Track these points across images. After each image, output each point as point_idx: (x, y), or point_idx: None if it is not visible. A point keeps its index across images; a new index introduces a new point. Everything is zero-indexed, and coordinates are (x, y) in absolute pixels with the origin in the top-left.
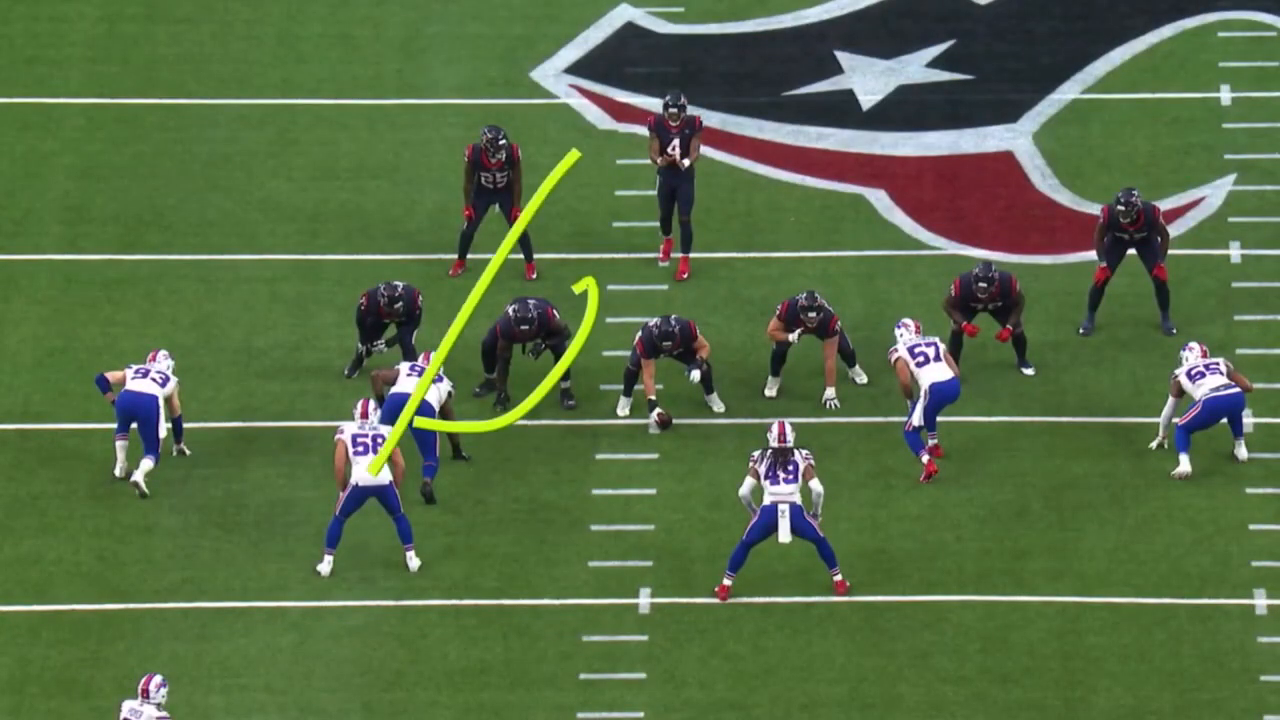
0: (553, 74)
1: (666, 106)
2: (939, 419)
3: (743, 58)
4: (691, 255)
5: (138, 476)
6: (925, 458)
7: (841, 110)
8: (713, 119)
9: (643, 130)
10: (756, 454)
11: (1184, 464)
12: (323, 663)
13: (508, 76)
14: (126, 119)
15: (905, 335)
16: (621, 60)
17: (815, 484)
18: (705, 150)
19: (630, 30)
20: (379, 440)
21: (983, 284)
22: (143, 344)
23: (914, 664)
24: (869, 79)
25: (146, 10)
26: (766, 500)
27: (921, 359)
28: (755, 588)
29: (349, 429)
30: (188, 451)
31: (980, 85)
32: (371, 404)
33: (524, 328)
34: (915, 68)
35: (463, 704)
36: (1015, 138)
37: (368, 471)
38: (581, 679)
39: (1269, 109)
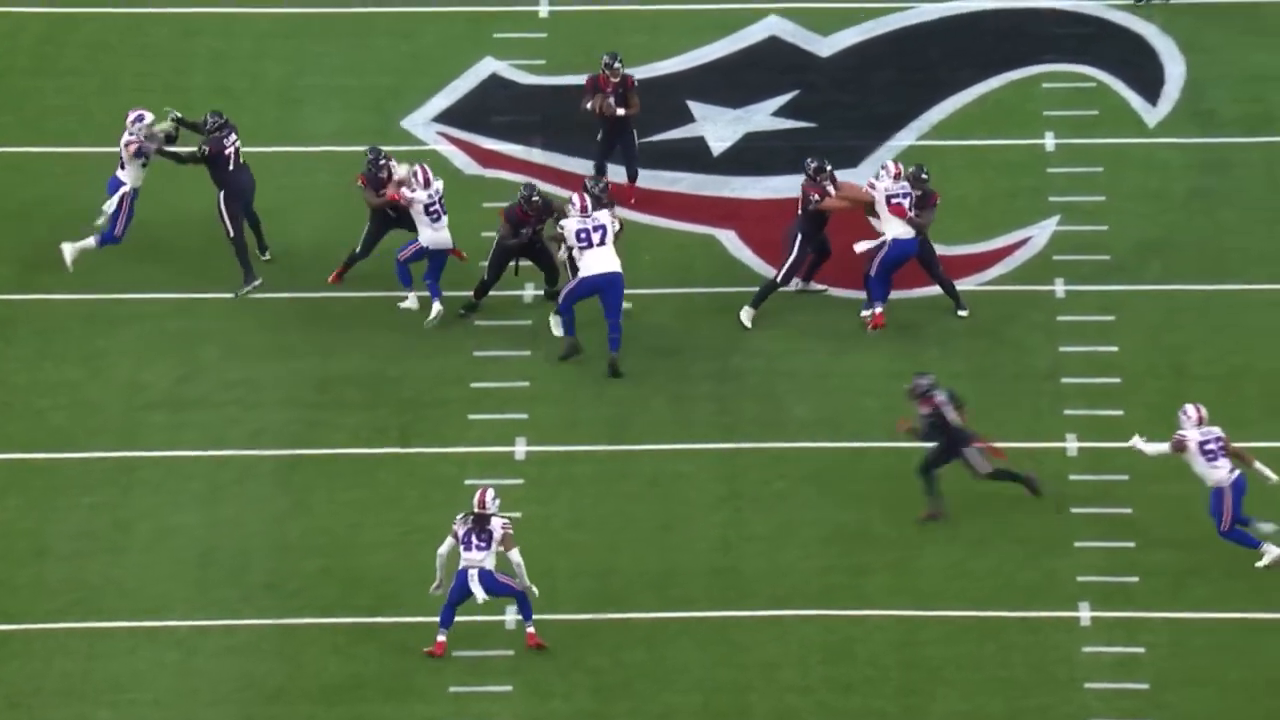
0: (422, 122)
1: (606, 66)
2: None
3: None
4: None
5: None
6: (878, 309)
7: (694, 156)
8: (572, 164)
9: (506, 175)
10: (460, 516)
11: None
12: (206, 679)
13: (379, 125)
14: (17, 166)
15: (885, 179)
16: (487, 109)
17: (514, 554)
18: (566, 193)
19: (495, 81)
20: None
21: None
22: (35, 378)
23: (763, 675)
24: (719, 127)
25: (36, 64)
26: (460, 564)
27: (896, 206)
28: (615, 604)
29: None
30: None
31: (822, 133)
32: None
33: (535, 199)
34: (762, 116)
35: (339, 717)
36: (856, 181)
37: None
38: (451, 691)
39: (1089, 154)
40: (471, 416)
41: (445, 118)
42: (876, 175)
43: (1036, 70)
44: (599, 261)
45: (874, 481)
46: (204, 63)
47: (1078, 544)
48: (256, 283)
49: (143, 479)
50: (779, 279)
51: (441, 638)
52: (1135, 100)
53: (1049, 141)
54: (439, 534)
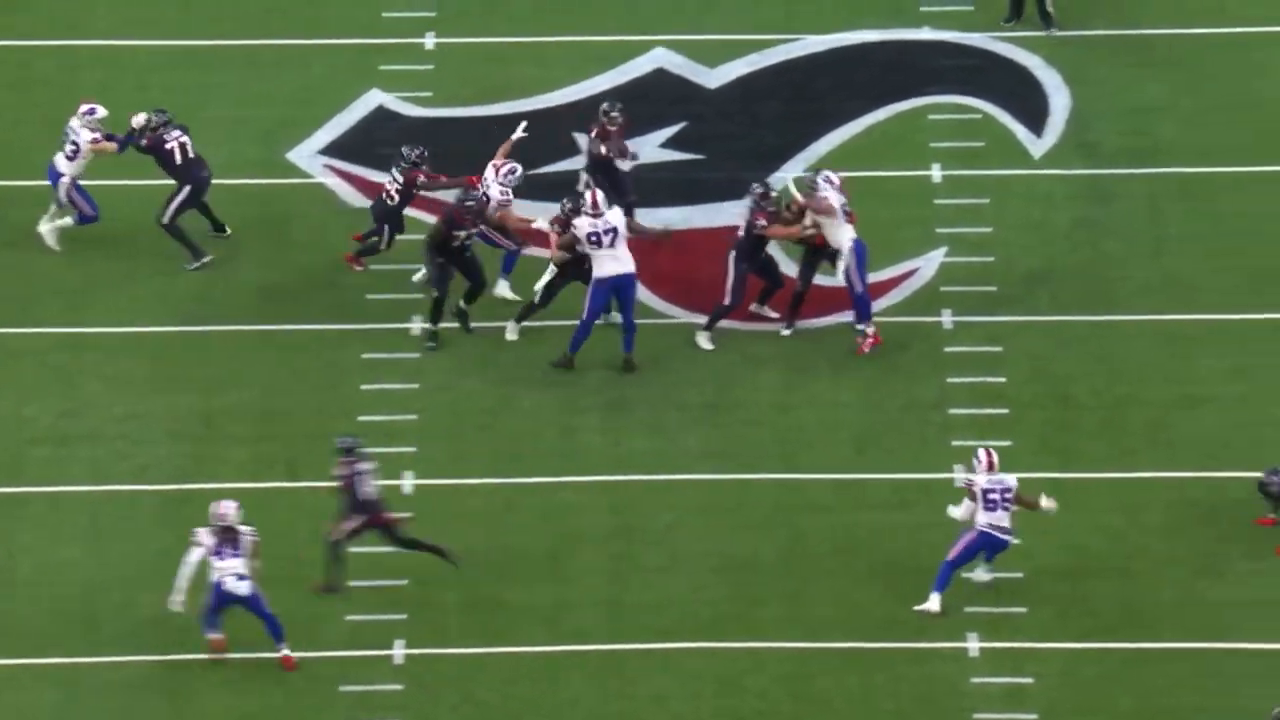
0: (308, 154)
1: (605, 114)
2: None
3: (488, 139)
4: (441, 326)
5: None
6: (871, 328)
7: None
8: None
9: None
10: (206, 530)
11: (933, 603)
12: (88, 717)
13: (265, 157)
14: None
15: (831, 190)
16: (373, 141)
17: (257, 563)
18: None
19: (381, 113)
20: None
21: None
22: None
23: (652, 707)
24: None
25: None
26: (214, 574)
27: (849, 213)
28: (505, 637)
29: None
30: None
31: (710, 164)
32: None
33: (469, 204)
34: (649, 148)
35: None
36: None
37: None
38: None
39: (975, 185)
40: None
41: (332, 150)
42: (815, 186)
43: (923, 102)
44: (614, 263)
45: (764, 513)
46: (88, 95)
47: (966, 575)
48: (207, 259)
49: (27, 514)
50: (727, 301)
51: (215, 635)
52: (1021, 132)
53: (935, 173)
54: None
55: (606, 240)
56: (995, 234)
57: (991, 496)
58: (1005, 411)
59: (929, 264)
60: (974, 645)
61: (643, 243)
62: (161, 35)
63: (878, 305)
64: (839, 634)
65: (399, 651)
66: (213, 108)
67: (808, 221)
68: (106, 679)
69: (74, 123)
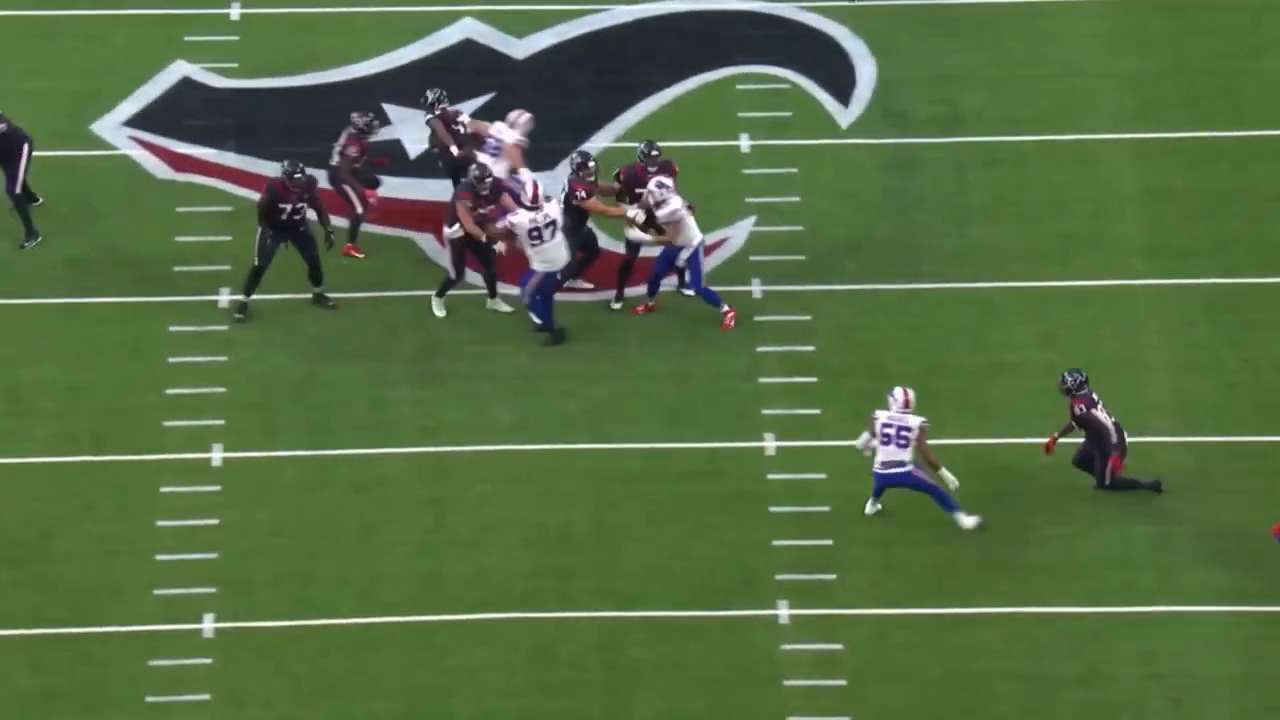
0: (112, 126)
1: (643, 155)
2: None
3: (296, 110)
4: (252, 297)
5: None
6: (726, 307)
7: (391, 158)
8: (267, 168)
9: (199, 179)
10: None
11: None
12: None
13: (69, 130)
14: None
15: (669, 195)
16: (179, 113)
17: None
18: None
19: (187, 84)
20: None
21: (655, 153)
22: None
23: (466, 679)
24: (415, 129)
25: None
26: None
27: (537, 236)
28: (316, 609)
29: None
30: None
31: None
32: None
33: (298, 175)
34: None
35: None
36: (553, 184)
37: None
38: (148, 702)
39: (783, 155)
40: (166, 423)
41: (136, 121)
42: (658, 187)
43: (730, 72)
44: (557, 254)
45: (576, 483)
46: None
47: (776, 543)
48: (38, 240)
49: None
50: (453, 276)
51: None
52: (828, 101)
53: (744, 143)
54: (135, 543)
55: (549, 233)
56: (804, 203)
57: (887, 431)
58: (815, 380)
59: (739, 233)
60: (784, 613)
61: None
62: None
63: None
64: (651, 603)
65: (209, 625)
66: (14, 79)
67: (632, 213)
68: None
69: None
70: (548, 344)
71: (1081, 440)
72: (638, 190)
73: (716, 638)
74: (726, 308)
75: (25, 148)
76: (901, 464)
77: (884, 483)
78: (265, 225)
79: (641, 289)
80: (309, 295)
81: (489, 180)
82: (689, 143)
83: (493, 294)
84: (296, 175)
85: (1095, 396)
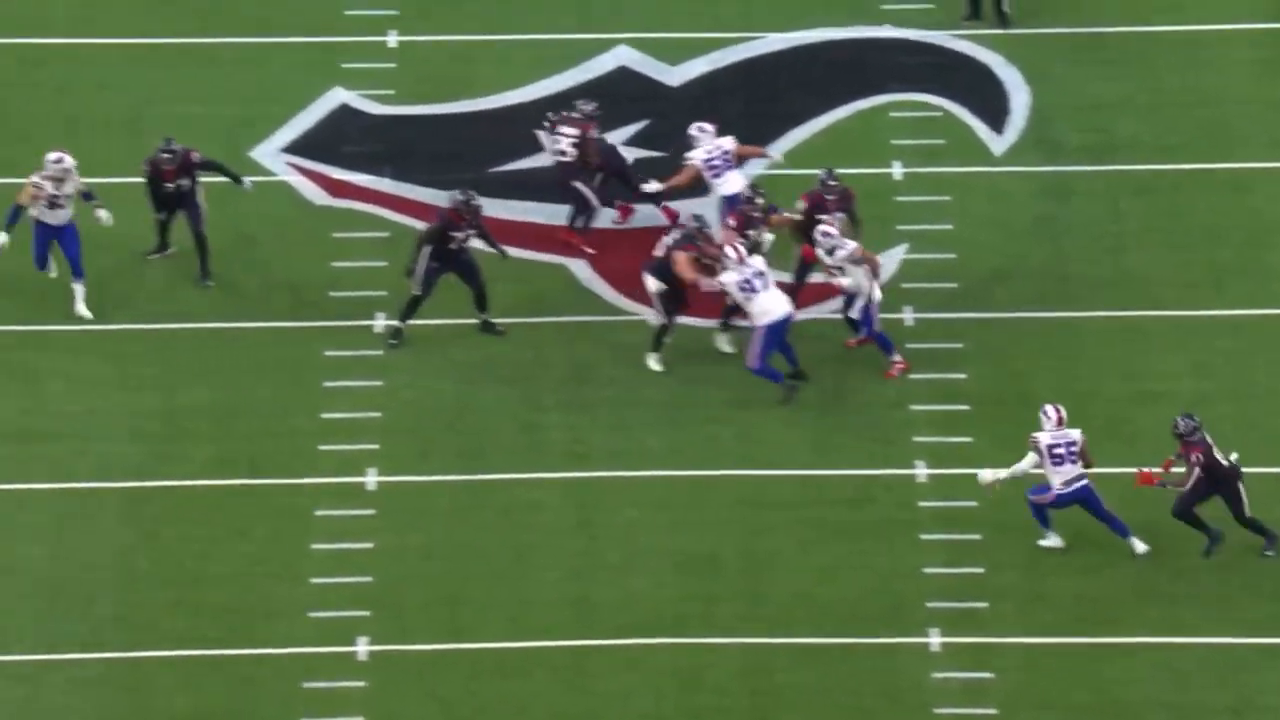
0: (271, 153)
1: (822, 183)
2: None
3: (450, 137)
4: (408, 323)
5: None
6: (897, 357)
7: (544, 186)
8: (423, 194)
9: (356, 205)
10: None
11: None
12: (52, 714)
13: (228, 155)
14: None
15: (835, 243)
16: (336, 139)
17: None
18: (415, 224)
19: (344, 111)
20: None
21: (833, 181)
22: None
23: (615, 704)
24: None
25: None
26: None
27: (749, 288)
28: (467, 634)
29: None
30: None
31: (673, 162)
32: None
33: (474, 203)
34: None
35: None
36: (707, 210)
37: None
38: None
39: (936, 183)
40: (322, 447)
41: (295, 148)
42: (824, 236)
43: (884, 99)
44: (774, 304)
45: (725, 509)
46: (49, 93)
47: (926, 570)
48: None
49: None
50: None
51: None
52: (981, 129)
53: (896, 170)
54: (290, 566)
55: (760, 283)
56: (956, 231)
57: (1057, 451)
58: (966, 408)
59: (890, 261)
60: (935, 640)
61: (605, 237)
62: (123, 33)
63: (841, 301)
64: (799, 629)
65: (362, 648)
66: (174, 105)
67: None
68: (69, 676)
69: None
70: (788, 396)
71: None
72: (819, 218)
73: (865, 664)
74: (898, 357)
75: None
76: (1081, 477)
77: (1069, 500)
78: (431, 254)
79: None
80: (470, 320)
81: (707, 230)
82: (841, 170)
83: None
84: (472, 204)
85: (1209, 438)
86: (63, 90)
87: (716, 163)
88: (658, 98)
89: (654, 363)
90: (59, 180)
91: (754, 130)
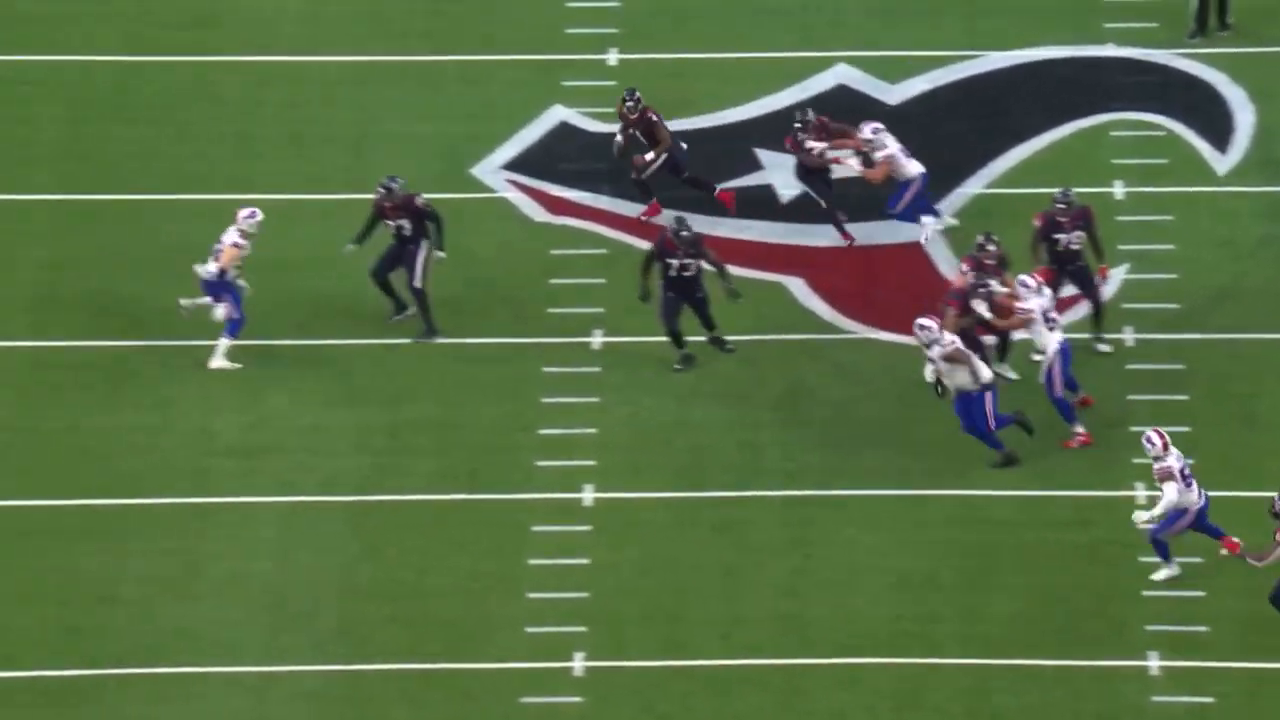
0: (491, 170)
1: (1056, 202)
2: None
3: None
4: (620, 339)
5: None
6: (1079, 429)
7: (762, 204)
8: (639, 211)
9: (574, 222)
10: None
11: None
12: None
13: (449, 172)
14: (89, 214)
15: (1032, 295)
16: (555, 157)
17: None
18: (633, 241)
19: (564, 129)
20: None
21: (1065, 203)
22: (106, 425)
23: None
24: (787, 175)
25: (109, 112)
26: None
27: (1051, 320)
28: (682, 650)
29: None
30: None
31: (891, 180)
32: None
33: (685, 233)
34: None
35: None
36: (924, 229)
37: None
38: None
39: (1158, 203)
40: (539, 463)
41: (515, 165)
42: (1022, 289)
43: (1105, 119)
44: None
45: (943, 529)
46: (274, 111)
47: (1146, 593)
48: (438, 337)
49: (214, 525)
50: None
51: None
52: (1205, 148)
53: (1118, 190)
54: (507, 581)
55: (1057, 317)
56: (1179, 251)
57: (1187, 473)
58: (1188, 429)
59: (1111, 281)
60: (1155, 664)
61: (824, 257)
62: (346, 51)
63: (1060, 320)
64: (1018, 651)
65: (579, 664)
66: (396, 123)
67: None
68: (293, 688)
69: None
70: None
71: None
72: (1055, 236)
73: (1084, 687)
74: (1081, 429)
75: (425, 244)
76: (1202, 497)
77: (1200, 524)
78: (660, 283)
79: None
80: (649, 339)
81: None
82: (1060, 189)
83: (1002, 356)
84: (683, 233)
85: None
86: (288, 108)
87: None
88: (876, 116)
89: (1005, 370)
90: (252, 236)
91: (973, 148)
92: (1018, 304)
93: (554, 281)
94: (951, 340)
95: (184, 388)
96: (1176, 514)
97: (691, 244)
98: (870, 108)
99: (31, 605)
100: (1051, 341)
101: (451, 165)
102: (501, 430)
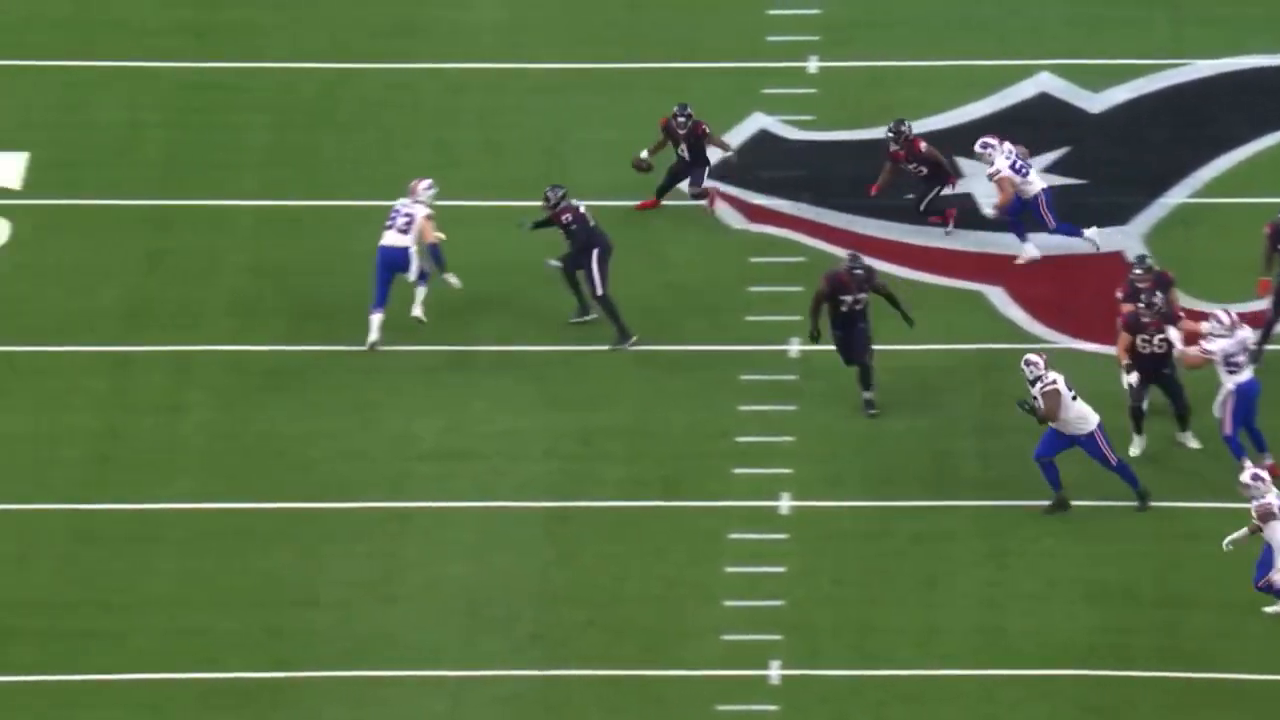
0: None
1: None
2: None
3: (869, 163)
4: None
5: (417, 311)
6: (1268, 459)
7: (962, 213)
8: (840, 219)
9: (773, 230)
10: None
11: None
12: None
13: (644, 180)
14: (294, 219)
15: (1218, 337)
16: (756, 164)
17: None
18: (832, 249)
19: (763, 136)
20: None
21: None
22: (306, 429)
23: None
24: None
25: (313, 119)
26: None
27: (1233, 367)
28: (878, 660)
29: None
30: (455, 282)
31: (1093, 190)
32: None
33: (858, 271)
34: (1032, 173)
35: None
36: (1125, 239)
37: None
38: None
39: None
40: (735, 470)
41: (714, 173)
42: (1214, 325)
43: None
44: (1245, 371)
45: (1140, 542)
46: (473, 117)
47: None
48: (633, 340)
49: (412, 529)
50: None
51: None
52: None
53: None
54: (703, 588)
55: (1245, 358)
56: None
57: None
58: None
59: None
60: None
61: (1024, 267)
62: (543, 59)
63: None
64: (1219, 665)
65: (775, 672)
66: (593, 130)
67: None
68: (490, 692)
69: (407, 200)
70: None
71: None
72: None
73: None
74: (1269, 459)
75: (596, 253)
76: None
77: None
78: (832, 321)
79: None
80: (896, 347)
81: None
82: (1268, 199)
83: (1183, 426)
84: (857, 270)
85: None
86: (486, 115)
87: (1019, 164)
88: (1078, 125)
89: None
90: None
91: (1178, 157)
92: (1203, 342)
93: (752, 289)
94: (1053, 380)
95: (383, 393)
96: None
97: (866, 280)
98: (1072, 116)
99: (232, 608)
100: (1228, 381)
101: (649, 173)
102: (697, 438)
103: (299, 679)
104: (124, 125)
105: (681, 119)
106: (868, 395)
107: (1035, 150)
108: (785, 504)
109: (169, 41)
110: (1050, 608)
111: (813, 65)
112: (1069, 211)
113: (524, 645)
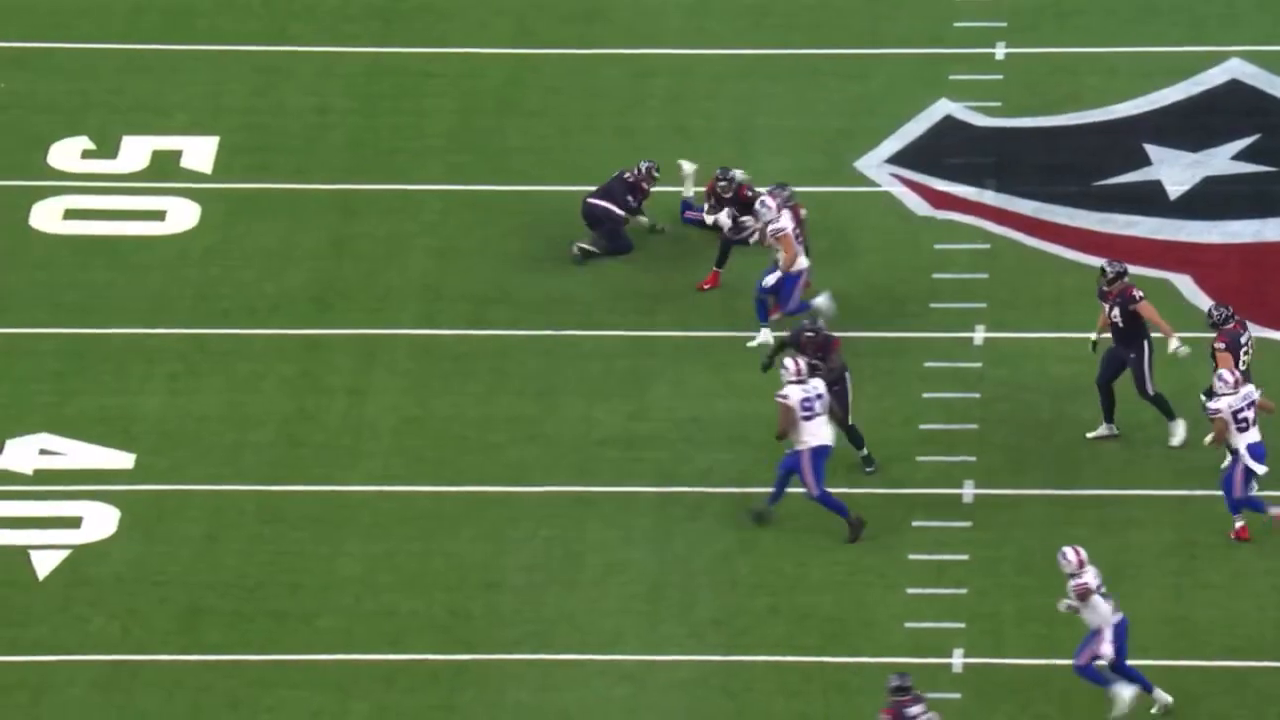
0: (875, 164)
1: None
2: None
3: (1055, 149)
4: (1002, 335)
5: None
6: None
7: (1150, 199)
8: (1026, 206)
9: (958, 216)
10: None
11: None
12: (655, 713)
13: (829, 166)
14: (478, 204)
15: (1226, 395)
16: (940, 151)
17: None
18: (1017, 236)
19: (949, 123)
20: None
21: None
22: (490, 413)
23: None
24: (1176, 170)
25: (498, 105)
26: None
27: (1242, 424)
28: (1062, 650)
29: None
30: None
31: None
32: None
33: (808, 334)
34: (1221, 160)
35: None
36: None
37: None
38: None
39: None
40: (919, 458)
41: (899, 159)
42: (1218, 383)
43: None
44: (826, 430)
45: None
46: (658, 103)
47: None
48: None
49: (596, 513)
50: None
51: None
52: None
53: None
54: (887, 575)
55: (819, 406)
56: None
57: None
58: None
59: None
60: None
61: (1212, 254)
62: (730, 44)
63: None
64: None
65: (958, 660)
66: (778, 116)
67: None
68: (671, 677)
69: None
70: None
71: None
72: None
73: None
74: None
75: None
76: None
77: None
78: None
79: None
80: (1071, 335)
81: None
82: None
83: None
84: (808, 333)
85: None
86: (672, 101)
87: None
88: (1270, 113)
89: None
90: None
91: None
92: (1213, 400)
93: (936, 276)
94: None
95: (567, 378)
96: None
97: (820, 345)
98: (1264, 103)
99: (418, 590)
100: (1240, 442)
101: (832, 159)
102: (881, 425)
103: (483, 661)
104: (312, 110)
105: (722, 184)
106: (862, 453)
107: (1225, 137)
108: (969, 491)
109: (356, 27)
110: (1239, 599)
111: (1000, 52)
112: (1259, 199)
113: (704, 631)
